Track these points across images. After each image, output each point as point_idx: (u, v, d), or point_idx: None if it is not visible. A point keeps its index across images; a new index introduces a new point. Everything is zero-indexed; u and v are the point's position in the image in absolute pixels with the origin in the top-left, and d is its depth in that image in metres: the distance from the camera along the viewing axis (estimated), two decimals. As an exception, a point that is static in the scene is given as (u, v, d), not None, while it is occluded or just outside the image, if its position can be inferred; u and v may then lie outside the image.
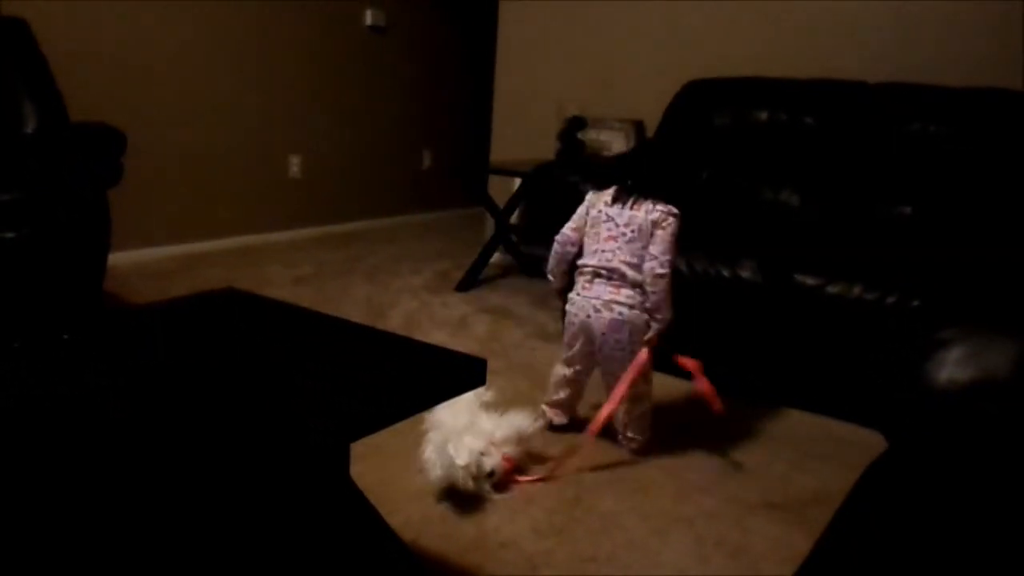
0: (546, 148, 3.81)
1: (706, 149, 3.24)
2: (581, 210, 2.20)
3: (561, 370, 2.26)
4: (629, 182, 2.11)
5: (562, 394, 2.28)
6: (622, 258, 2.07)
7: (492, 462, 1.89)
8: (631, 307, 2.06)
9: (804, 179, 3.03)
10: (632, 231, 2.06)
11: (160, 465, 0.98)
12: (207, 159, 4.07)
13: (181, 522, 0.96)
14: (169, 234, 3.95)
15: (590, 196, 2.19)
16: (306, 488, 1.26)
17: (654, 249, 2.04)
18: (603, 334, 2.09)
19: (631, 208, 2.08)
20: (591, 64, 3.94)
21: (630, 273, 2.06)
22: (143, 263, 3.74)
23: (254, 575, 1.18)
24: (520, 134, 4.17)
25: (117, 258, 3.24)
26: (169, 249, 3.94)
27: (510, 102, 4.25)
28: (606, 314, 2.07)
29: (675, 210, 2.07)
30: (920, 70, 3.01)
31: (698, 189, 3.16)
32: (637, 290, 2.06)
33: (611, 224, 2.10)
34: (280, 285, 3.58)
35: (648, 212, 2.06)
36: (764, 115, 3.14)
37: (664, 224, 2.05)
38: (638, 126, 3.68)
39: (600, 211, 2.13)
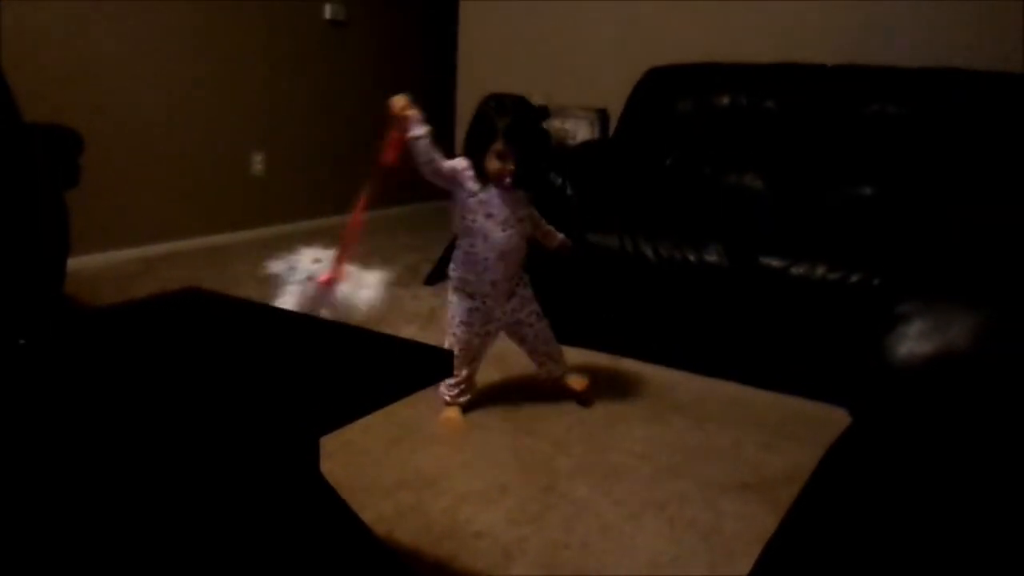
0: (511, 139, 3.80)
1: (670, 135, 3.25)
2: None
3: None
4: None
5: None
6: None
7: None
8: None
9: (767, 162, 3.05)
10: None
11: (126, 465, 0.96)
12: (167, 159, 4.00)
13: (150, 522, 0.95)
14: (131, 236, 3.89)
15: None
16: (277, 484, 1.25)
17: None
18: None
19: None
20: (554, 53, 3.93)
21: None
22: (105, 266, 3.67)
23: (227, 572, 1.17)
24: (485, 125, 4.15)
25: (78, 262, 3.19)
26: (131, 252, 3.88)
27: (474, 93, 4.20)
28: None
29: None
30: (880, 53, 3.04)
31: (663, 175, 3.17)
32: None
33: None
34: (246, 285, 3.54)
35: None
36: (725, 100, 3.16)
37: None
38: (602, 114, 3.68)
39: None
